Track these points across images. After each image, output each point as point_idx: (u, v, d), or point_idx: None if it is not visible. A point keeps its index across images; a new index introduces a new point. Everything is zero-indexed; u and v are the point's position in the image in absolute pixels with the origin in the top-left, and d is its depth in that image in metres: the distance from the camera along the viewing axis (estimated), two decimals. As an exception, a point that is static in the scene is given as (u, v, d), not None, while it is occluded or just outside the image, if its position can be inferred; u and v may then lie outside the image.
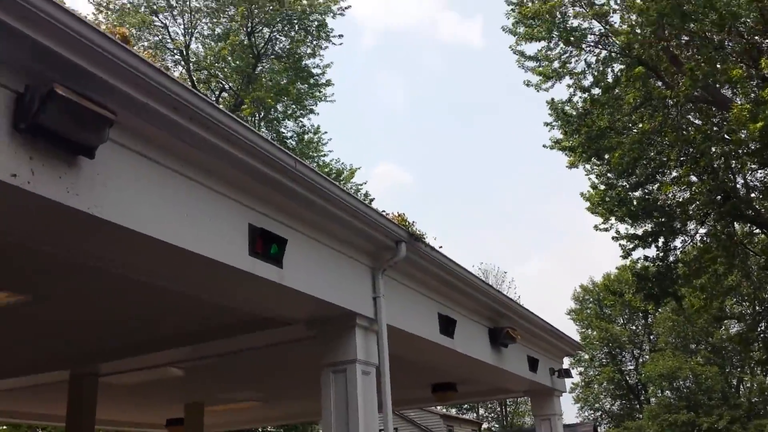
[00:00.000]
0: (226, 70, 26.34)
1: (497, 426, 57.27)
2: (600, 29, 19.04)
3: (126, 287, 5.58)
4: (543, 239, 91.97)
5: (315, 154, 28.35)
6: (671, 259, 21.14)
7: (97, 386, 8.66)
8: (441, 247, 7.60)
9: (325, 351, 6.24)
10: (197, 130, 4.06)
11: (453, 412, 50.10)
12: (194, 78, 26.05)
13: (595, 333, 54.52)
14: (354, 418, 5.93)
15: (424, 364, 9.06)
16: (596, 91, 19.45)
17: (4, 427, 38.96)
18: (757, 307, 31.00)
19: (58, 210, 3.39)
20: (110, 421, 13.71)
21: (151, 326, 7.06)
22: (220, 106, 4.40)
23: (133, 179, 3.80)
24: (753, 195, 19.92)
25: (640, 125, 18.77)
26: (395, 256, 6.49)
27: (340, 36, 27.07)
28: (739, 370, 49.52)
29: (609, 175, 20.62)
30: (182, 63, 26.21)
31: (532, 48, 20.05)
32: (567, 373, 11.90)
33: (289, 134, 28.13)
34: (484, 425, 55.56)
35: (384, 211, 6.66)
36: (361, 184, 30.00)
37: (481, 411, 59.52)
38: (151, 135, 3.93)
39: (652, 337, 55.77)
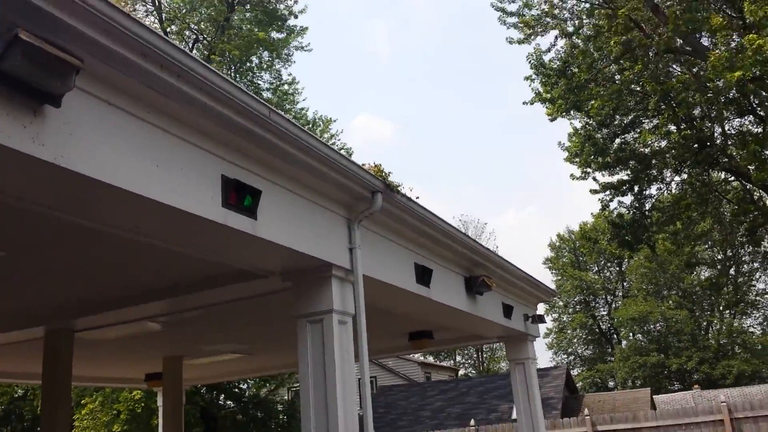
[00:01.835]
0: (198, 20, 25.72)
1: (474, 372, 58.50)
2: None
3: (99, 241, 5.50)
4: (523, 191, 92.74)
5: (291, 106, 28.01)
6: (646, 207, 21.44)
7: (73, 342, 8.62)
8: (418, 198, 7.60)
9: (301, 302, 6.24)
10: (168, 78, 3.95)
11: (430, 359, 51.05)
12: (167, 28, 25.41)
13: (569, 281, 55.47)
14: (331, 368, 5.98)
15: (401, 313, 9.14)
16: (578, 41, 19.38)
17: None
18: (729, 253, 31.73)
19: (24, 160, 3.29)
20: (88, 377, 13.74)
21: (127, 280, 7.00)
22: (192, 53, 4.27)
23: (101, 128, 3.70)
24: (729, 143, 20.15)
25: (620, 76, 18.79)
26: (371, 207, 6.46)
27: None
28: (708, 313, 50.95)
29: (588, 125, 20.69)
30: (154, 13, 25.53)
31: (513, 6, 19.90)
32: (540, 319, 12.12)
33: (266, 86, 27.71)
34: (461, 371, 56.75)
35: (361, 163, 6.60)
36: (336, 133, 29.77)
37: (458, 358, 60.74)
38: (120, 83, 3.81)
39: (625, 284, 56.96)
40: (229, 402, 31.03)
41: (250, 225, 4.91)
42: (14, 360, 10.48)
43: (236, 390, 30.56)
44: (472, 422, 18.13)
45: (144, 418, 24.90)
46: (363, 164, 6.53)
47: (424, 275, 8.00)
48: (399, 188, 6.96)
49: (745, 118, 20.08)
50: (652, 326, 49.74)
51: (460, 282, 9.28)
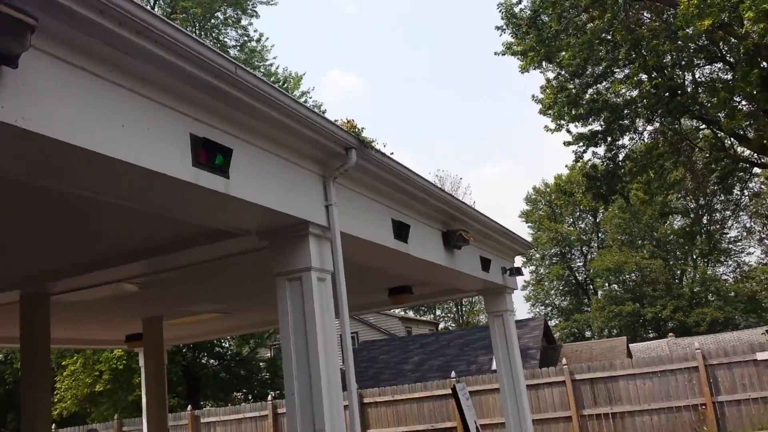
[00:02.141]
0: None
1: (453, 325, 59.37)
2: None
3: (69, 204, 5.41)
4: (499, 145, 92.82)
5: (260, 63, 27.51)
6: (619, 157, 21.58)
7: (50, 305, 8.55)
8: (393, 153, 7.54)
9: (279, 260, 6.22)
10: (128, 35, 3.81)
11: (411, 314, 51.64)
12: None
13: (545, 233, 56.07)
14: (311, 325, 5.99)
15: (380, 269, 9.17)
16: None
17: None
18: (701, 201, 32.18)
19: (-18, 124, 3.19)
20: (68, 339, 13.70)
21: (101, 243, 6.93)
22: (151, 9, 4.13)
23: (62, 89, 3.58)
24: (700, 91, 20.22)
25: (591, 26, 18.65)
26: (346, 164, 6.40)
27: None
28: (682, 262, 51.97)
29: (560, 76, 20.62)
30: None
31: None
32: (518, 272, 12.24)
33: (232, 43, 27.14)
34: (441, 325, 57.54)
35: (334, 120, 6.51)
36: (308, 91, 29.38)
37: (438, 312, 61.54)
38: (79, 42, 3.68)
39: (600, 234, 57.72)
40: (211, 361, 31.27)
41: (222, 184, 4.84)
42: (-9, 326, 10.40)
43: (218, 349, 30.77)
44: (453, 374, 18.45)
45: (126, 377, 25.03)
46: (336, 120, 6.44)
47: (401, 231, 8.00)
48: (373, 144, 6.89)
49: (715, 65, 20.15)
50: (627, 276, 50.67)
51: (437, 237, 9.31)
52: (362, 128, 6.94)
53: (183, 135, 4.51)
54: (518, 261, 13.06)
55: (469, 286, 11.94)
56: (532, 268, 57.91)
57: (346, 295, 6.43)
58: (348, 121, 6.78)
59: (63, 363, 28.17)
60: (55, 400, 28.27)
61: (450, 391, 9.65)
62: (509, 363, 12.04)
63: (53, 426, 23.81)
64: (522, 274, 12.34)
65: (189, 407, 22.13)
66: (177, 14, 23.13)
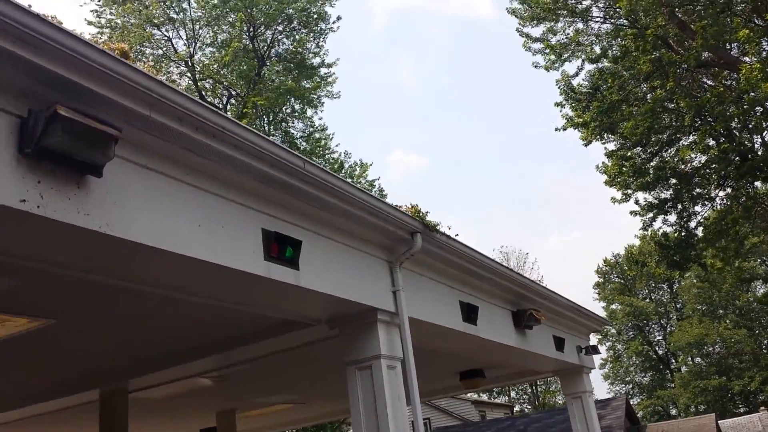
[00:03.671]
0: (230, 76, 26.36)
1: (529, 407, 57.19)
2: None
3: (148, 302, 5.60)
4: (565, 216, 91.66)
5: (326, 152, 28.32)
6: (692, 225, 20.98)
7: (128, 403, 8.71)
8: (457, 234, 7.56)
9: (349, 348, 6.22)
10: (203, 139, 4.05)
11: (484, 397, 50.11)
12: (200, 87, 26.10)
13: (620, 307, 54.22)
14: (383, 413, 5.92)
15: (449, 352, 9.03)
16: (606, 63, 19.29)
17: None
18: (782, 267, 30.73)
19: (71, 231, 3.39)
20: (145, 435, 13.82)
21: (177, 339, 7.09)
22: (225, 113, 4.38)
23: (142, 194, 3.79)
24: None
25: (652, 95, 18.60)
26: (411, 248, 6.45)
27: (339, 19, 26.88)
28: (768, 331, 49.13)
29: (625, 148, 20.44)
30: (188, 74, 26.28)
31: (537, 30, 19.98)
32: (594, 350, 11.83)
33: (299, 135, 28.12)
34: (516, 407, 55.51)
35: (398, 205, 6.62)
36: (375, 180, 29.95)
37: (513, 394, 59.48)
38: (158, 148, 3.92)
39: (678, 305, 55.43)
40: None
41: (292, 276, 4.94)
42: (71, 425, 10.62)
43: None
44: (532, 460, 17.65)
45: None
46: (400, 206, 6.55)
47: (470, 313, 7.91)
48: (438, 227, 6.94)
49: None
50: (710, 348, 48.17)
51: (507, 317, 9.15)
52: (426, 212, 7.01)
53: (255, 230, 4.67)
54: (593, 338, 12.64)
55: (544, 367, 11.59)
56: (609, 344, 55.84)
57: (417, 381, 6.34)
58: (412, 206, 6.87)
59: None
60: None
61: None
62: (592, 447, 11.48)
63: None
64: (599, 352, 11.92)
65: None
66: (248, 108, 24.24)
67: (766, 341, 49.27)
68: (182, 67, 26.28)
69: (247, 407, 11.95)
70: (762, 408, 33.19)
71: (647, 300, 55.90)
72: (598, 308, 57.58)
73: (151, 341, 7.00)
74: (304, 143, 27.58)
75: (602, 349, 55.38)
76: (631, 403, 46.33)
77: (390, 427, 5.88)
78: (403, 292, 6.40)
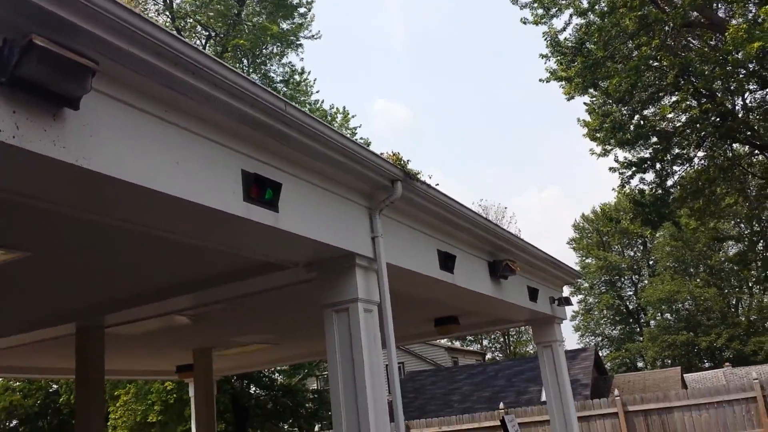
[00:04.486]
0: (209, 16, 25.77)
1: (501, 356, 58.50)
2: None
3: (124, 239, 5.59)
4: (544, 171, 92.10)
5: (305, 98, 28.02)
6: (668, 183, 21.20)
7: (104, 338, 8.77)
8: (438, 184, 7.59)
9: (326, 291, 6.29)
10: (182, 75, 3.97)
11: (457, 344, 51.10)
12: (178, 26, 25.51)
13: (594, 261, 55.09)
14: (359, 355, 6.03)
15: (426, 299, 9.16)
16: (593, 18, 19.08)
17: (18, 383, 39.79)
18: (755, 227, 31.27)
19: (47, 164, 3.34)
20: (121, 370, 13.97)
21: (154, 276, 7.11)
22: (205, 50, 4.30)
23: (120, 129, 3.74)
24: (751, 116, 19.79)
25: (637, 52, 18.51)
26: (392, 196, 6.47)
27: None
28: (737, 290, 50.36)
29: (607, 104, 20.45)
30: (166, 12, 25.63)
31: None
32: (567, 301, 12.07)
33: (279, 78, 27.72)
34: (488, 355, 56.75)
35: (380, 153, 6.60)
36: (357, 127, 29.76)
37: (485, 342, 60.73)
38: (137, 83, 3.85)
39: (650, 262, 56.42)
40: (258, 391, 31.41)
41: (272, 218, 4.95)
42: (48, 356, 10.71)
43: (266, 379, 30.92)
44: (501, 405, 18.15)
45: (177, 408, 25.31)
46: (381, 153, 6.54)
47: (447, 261, 8.01)
48: (418, 176, 6.95)
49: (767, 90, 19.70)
50: (680, 305, 49.30)
51: (483, 267, 9.27)
52: (408, 160, 7.02)
53: (234, 171, 4.64)
54: (567, 290, 12.88)
55: (517, 316, 11.81)
56: (581, 297, 56.93)
57: (393, 326, 6.45)
58: (394, 154, 6.86)
59: (116, 393, 28.68)
60: (109, 429, 28.75)
61: (499, 423, 9.51)
62: (559, 394, 11.82)
63: (106, 455, 24.20)
64: (571, 304, 12.16)
65: (237, 438, 22.24)
66: (228, 52, 23.77)
67: (734, 300, 50.53)
68: (160, 4, 25.62)
69: (223, 346, 12.10)
70: (726, 364, 34.27)
71: (621, 256, 56.80)
72: (572, 263, 58.48)
73: (128, 278, 7.01)
74: (284, 87, 27.21)
75: (574, 301, 56.45)
76: (600, 354, 47.53)
77: (365, 369, 6.00)
78: (381, 239, 6.45)
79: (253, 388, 31.00)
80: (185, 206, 4.23)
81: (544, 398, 17.92)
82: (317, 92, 30.83)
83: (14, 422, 41.96)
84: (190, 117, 4.24)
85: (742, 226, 40.60)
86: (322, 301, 6.29)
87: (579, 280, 51.38)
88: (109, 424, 28.80)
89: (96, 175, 3.57)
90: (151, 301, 7.58)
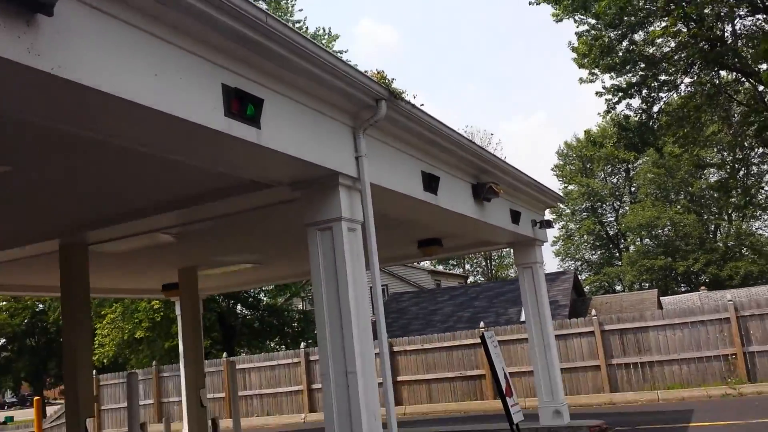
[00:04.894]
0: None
1: (483, 279, 59.58)
2: None
3: (107, 154, 5.53)
4: (531, 97, 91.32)
5: (287, 16, 27.27)
6: (654, 109, 21.17)
7: (88, 255, 8.79)
8: (423, 105, 7.52)
9: (310, 210, 6.31)
10: (161, -16, 3.84)
11: (440, 267, 51.87)
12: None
13: (576, 188, 55.46)
14: (342, 273, 6.11)
15: (409, 221, 9.24)
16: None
17: (3, 302, 40.03)
18: (738, 155, 31.47)
19: (22, 72, 3.25)
20: (107, 288, 14.10)
21: (137, 193, 7.07)
22: (183, -42, 4.12)
23: (96, 37, 3.62)
24: (740, 43, 19.60)
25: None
26: (376, 115, 6.41)
27: None
28: (716, 216, 51.12)
29: (596, 28, 20.12)
30: None
31: None
32: (548, 224, 12.23)
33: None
34: (470, 278, 57.79)
35: (364, 71, 6.49)
36: (342, 51, 29.13)
37: (468, 266, 61.69)
38: (113, -9, 3.71)
39: (632, 189, 56.90)
40: (245, 311, 31.94)
41: (254, 134, 4.90)
42: (33, 274, 10.74)
43: (252, 299, 31.39)
44: (482, 324, 18.62)
45: (164, 326, 25.73)
46: (366, 71, 6.43)
47: (431, 182, 8.03)
48: (403, 95, 6.88)
49: (757, 16, 19.45)
50: (660, 231, 50.05)
51: (467, 189, 9.32)
52: (393, 79, 6.92)
53: (215, 85, 4.55)
54: (548, 214, 13.02)
55: (499, 239, 11.97)
56: (563, 223, 57.53)
57: (376, 246, 6.51)
58: (378, 72, 6.76)
59: (102, 312, 29.03)
60: (96, 346, 29.27)
61: (479, 341, 9.77)
62: (538, 313, 12.14)
63: (94, 372, 24.70)
64: (552, 227, 12.32)
65: (224, 354, 22.73)
66: None
67: (713, 226, 51.34)
68: None
69: (208, 265, 12.20)
70: (702, 287, 35.17)
71: (604, 182, 57.19)
72: (556, 188, 58.75)
73: (110, 195, 6.97)
74: (262, 3, 26.42)
75: (556, 227, 57.13)
76: (580, 278, 48.51)
77: (349, 285, 6.10)
78: (365, 159, 6.43)
79: (240, 308, 31.50)
80: (164, 120, 4.17)
81: (523, 318, 18.36)
82: (300, 11, 29.87)
83: (2, 341, 42.58)
84: (168, 28, 4.12)
85: (725, 153, 40.86)
86: (305, 220, 6.32)
87: (561, 206, 51.73)
88: (96, 341, 29.30)
89: (72, 85, 3.48)
90: (134, 219, 7.57)
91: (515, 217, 11.08)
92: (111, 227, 7.88)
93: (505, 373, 9.10)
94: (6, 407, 68.80)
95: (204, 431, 11.94)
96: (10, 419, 36.08)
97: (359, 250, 6.40)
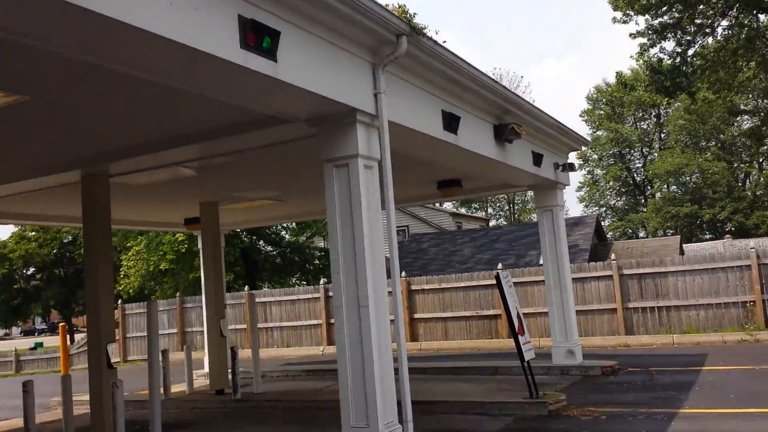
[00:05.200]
0: None
1: (505, 223, 59.50)
2: None
3: (126, 84, 5.53)
4: (563, 39, 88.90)
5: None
6: (689, 53, 20.57)
7: (109, 186, 8.91)
8: (445, 42, 7.39)
9: (327, 147, 6.30)
10: None
11: (462, 210, 51.84)
12: None
13: (605, 133, 54.54)
14: (357, 209, 6.14)
15: (429, 161, 9.19)
16: None
17: (33, 233, 40.95)
18: (772, 102, 30.62)
19: (41, 1, 3.26)
20: (130, 221, 14.34)
21: (156, 125, 7.11)
22: None
23: (109, -35, 3.59)
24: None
25: None
26: (396, 51, 6.31)
27: None
28: (746, 164, 50.15)
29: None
30: None
31: None
32: (571, 167, 12.09)
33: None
34: (492, 222, 57.77)
35: (384, 4, 6.36)
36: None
37: (490, 210, 61.56)
38: None
39: (662, 135, 55.83)
40: (268, 247, 32.38)
41: (270, 67, 4.86)
42: (56, 204, 10.94)
43: (274, 236, 31.78)
44: (500, 266, 18.72)
45: (188, 258, 26.23)
46: (386, 5, 6.31)
47: (451, 122, 7.94)
48: (425, 31, 6.75)
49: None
50: (687, 178, 49.32)
51: (489, 130, 9.22)
52: (414, 14, 6.81)
53: (231, 16, 4.50)
54: (572, 157, 12.87)
55: (520, 181, 11.89)
56: (589, 168, 56.87)
57: (392, 186, 6.50)
58: (399, 7, 6.66)
59: (128, 244, 29.63)
60: (121, 276, 30.00)
61: (495, 281, 9.85)
62: (556, 256, 12.15)
63: (119, 301, 25.39)
64: (575, 170, 12.18)
65: (246, 288, 23.18)
66: None
67: (742, 175, 50.45)
68: None
69: (229, 200, 12.33)
70: (727, 236, 34.79)
71: (633, 128, 56.14)
72: (584, 134, 57.88)
73: (129, 126, 7.02)
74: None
75: (581, 173, 56.56)
76: (603, 224, 48.18)
77: (364, 225, 6.14)
78: (384, 96, 6.37)
79: (263, 244, 31.94)
80: (180, 50, 4.15)
81: (542, 261, 18.40)
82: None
83: (31, 270, 43.75)
84: (182, -45, 4.06)
85: (759, 100, 39.79)
86: (322, 156, 6.32)
87: (588, 151, 50.93)
88: (121, 272, 30.00)
89: (89, 13, 3.47)
90: (154, 151, 7.63)
91: (537, 159, 10.97)
92: (131, 159, 7.95)
93: (518, 312, 9.18)
94: (36, 334, 71.33)
95: (224, 359, 12.29)
96: (40, 345, 37.43)
97: (375, 188, 6.41)
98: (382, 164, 6.43)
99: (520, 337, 8.88)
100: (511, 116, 9.51)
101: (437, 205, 37.69)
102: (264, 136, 7.22)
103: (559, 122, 11.11)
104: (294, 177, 10.35)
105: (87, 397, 9.67)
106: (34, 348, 35.68)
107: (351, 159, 6.19)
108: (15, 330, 74.92)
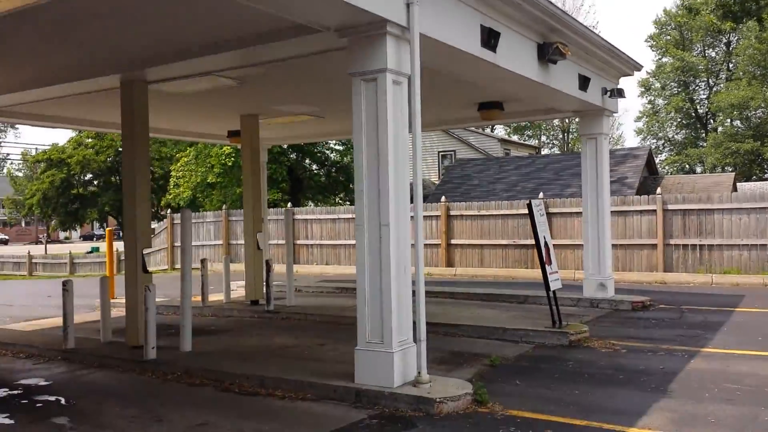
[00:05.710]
0: None
1: (558, 152, 58.31)
2: None
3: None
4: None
5: None
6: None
7: (147, 92, 8.96)
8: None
9: (356, 59, 6.15)
10: None
11: (515, 138, 50.86)
12: None
13: (671, 61, 52.07)
14: (383, 128, 6.05)
15: (466, 79, 8.90)
16: None
17: (90, 139, 41.99)
18: None
19: None
20: (173, 130, 14.52)
21: (193, 31, 7.08)
22: None
23: None
24: None
25: None
26: (432, -43, 6.02)
27: None
28: (817, 101, 47.47)
29: None
30: None
31: None
32: (620, 93, 11.57)
33: None
34: (544, 151, 56.67)
35: None
36: None
37: (543, 138, 60.24)
38: None
39: (730, 66, 53.06)
40: (314, 166, 32.57)
41: (293, -29, 4.70)
42: (96, 108, 11.10)
43: (320, 154, 31.89)
44: (541, 195, 18.41)
45: (236, 172, 26.60)
46: None
47: (490, 38, 7.60)
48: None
49: None
50: (752, 112, 47.05)
51: (532, 48, 8.83)
52: None
53: None
54: (622, 82, 12.31)
55: (564, 106, 11.50)
56: (650, 98, 54.63)
57: (420, 103, 6.31)
58: None
59: (176, 155, 30.17)
60: (171, 186, 30.70)
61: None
62: (596, 186, 11.85)
63: (168, 210, 26.07)
64: (624, 96, 11.65)
65: (289, 204, 23.49)
66: None
67: (813, 112, 47.90)
68: None
69: (269, 114, 12.31)
70: (787, 175, 33.38)
71: (700, 56, 53.42)
72: (649, 62, 55.44)
73: (167, 31, 7.00)
74: None
75: (641, 102, 54.44)
76: (660, 158, 46.65)
77: (389, 142, 6.05)
78: (417, 6, 6.11)
79: (308, 162, 32.13)
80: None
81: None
82: None
83: (88, 176, 45.16)
84: None
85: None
86: (349, 69, 6.19)
87: (650, 80, 48.80)
88: (171, 182, 30.68)
89: None
90: (191, 57, 7.60)
91: (584, 83, 10.53)
92: (169, 65, 7.96)
93: (546, 242, 9.05)
94: (95, 239, 74.35)
95: (259, 272, 12.58)
96: (96, 249, 38.97)
97: (403, 105, 6.26)
98: (412, 80, 6.23)
99: (547, 266, 8.80)
100: (556, 35, 9.09)
101: (487, 130, 37.02)
102: (296, 45, 7.09)
103: (610, 43, 10.58)
104: (329, 92, 10.23)
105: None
106: (90, 252, 37.22)
107: (379, 73, 6.04)
108: (75, 234, 78.26)
